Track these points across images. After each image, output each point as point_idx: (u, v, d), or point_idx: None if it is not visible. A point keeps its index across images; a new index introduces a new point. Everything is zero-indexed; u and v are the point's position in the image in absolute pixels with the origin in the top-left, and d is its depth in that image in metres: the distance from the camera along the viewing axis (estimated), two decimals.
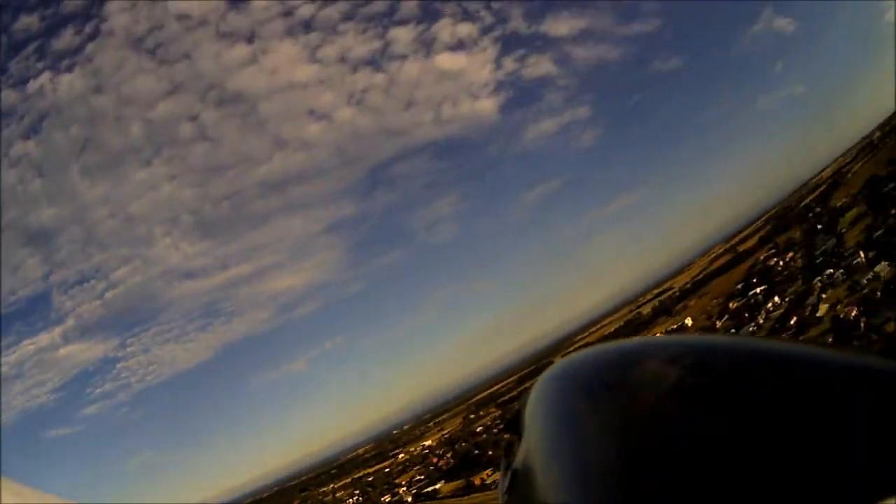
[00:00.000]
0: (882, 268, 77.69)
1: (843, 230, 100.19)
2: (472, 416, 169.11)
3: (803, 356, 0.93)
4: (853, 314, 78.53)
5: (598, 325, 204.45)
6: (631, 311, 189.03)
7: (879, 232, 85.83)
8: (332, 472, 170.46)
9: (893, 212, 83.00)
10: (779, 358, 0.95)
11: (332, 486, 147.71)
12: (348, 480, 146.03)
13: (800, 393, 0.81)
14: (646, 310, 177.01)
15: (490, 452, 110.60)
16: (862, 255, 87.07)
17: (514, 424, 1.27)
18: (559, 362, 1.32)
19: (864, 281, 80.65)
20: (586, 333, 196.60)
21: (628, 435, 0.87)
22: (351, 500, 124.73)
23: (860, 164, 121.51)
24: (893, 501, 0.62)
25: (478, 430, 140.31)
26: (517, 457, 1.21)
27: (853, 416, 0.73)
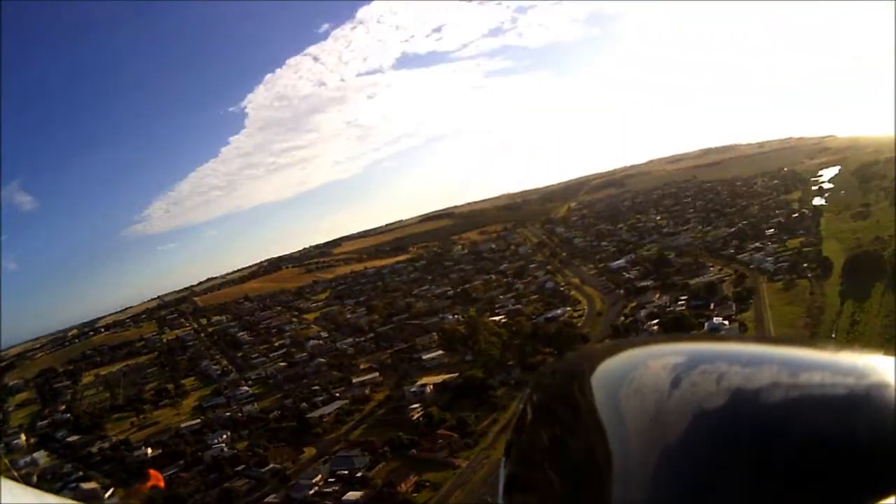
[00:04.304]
0: (41, 455, 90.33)
1: (11, 409, 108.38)
2: None
3: (799, 355, 0.95)
4: None
5: None
6: None
7: (45, 422, 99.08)
8: None
9: (62, 407, 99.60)
10: (776, 358, 0.96)
11: None
12: None
13: (799, 392, 0.82)
14: None
15: None
16: (24, 437, 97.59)
17: (519, 425, 1.28)
18: (568, 358, 1.44)
19: (22, 462, 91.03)
20: None
21: (655, 435, 0.88)
22: None
23: (48, 353, 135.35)
24: (893, 501, 0.62)
25: None
26: (520, 457, 1.21)
27: (853, 416, 0.74)
